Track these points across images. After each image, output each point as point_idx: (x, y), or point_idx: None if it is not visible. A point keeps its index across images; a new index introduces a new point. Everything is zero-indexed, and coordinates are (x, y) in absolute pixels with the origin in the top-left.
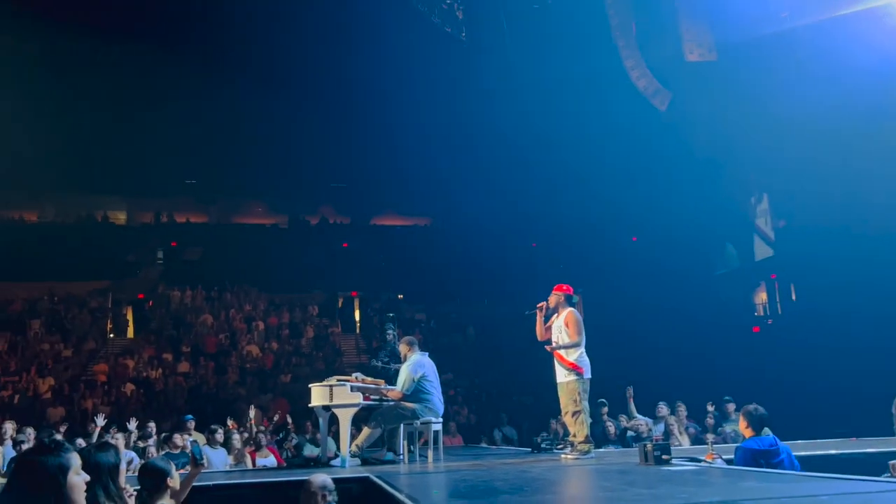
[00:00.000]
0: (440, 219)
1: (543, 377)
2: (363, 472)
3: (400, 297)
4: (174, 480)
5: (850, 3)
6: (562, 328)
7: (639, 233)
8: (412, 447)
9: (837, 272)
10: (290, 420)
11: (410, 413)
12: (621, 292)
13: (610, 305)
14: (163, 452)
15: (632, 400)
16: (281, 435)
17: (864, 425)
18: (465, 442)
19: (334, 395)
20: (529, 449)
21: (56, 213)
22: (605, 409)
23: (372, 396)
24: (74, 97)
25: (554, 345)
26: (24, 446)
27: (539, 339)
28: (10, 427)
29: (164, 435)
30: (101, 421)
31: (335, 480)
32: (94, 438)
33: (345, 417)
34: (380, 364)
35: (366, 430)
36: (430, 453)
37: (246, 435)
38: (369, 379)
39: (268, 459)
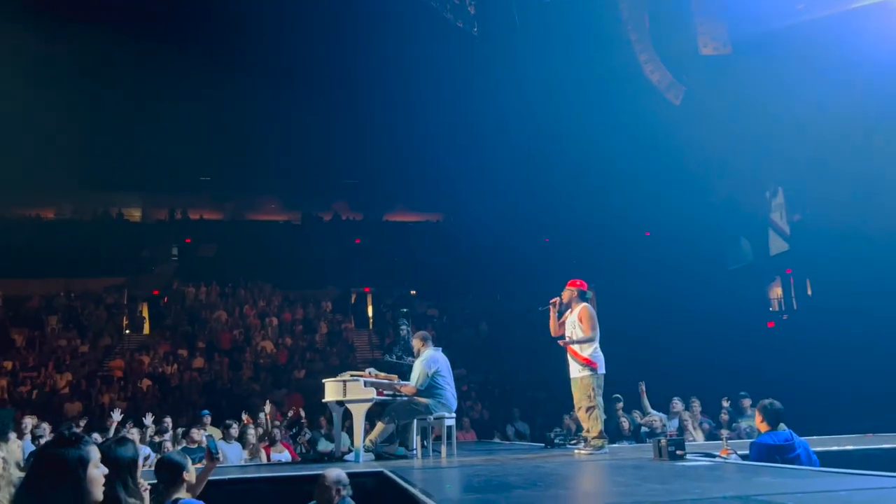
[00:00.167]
0: (452, 214)
1: (557, 372)
2: (377, 466)
3: (413, 292)
4: (190, 474)
5: None
6: (575, 323)
7: (652, 228)
8: (425, 442)
9: (854, 267)
10: (303, 414)
11: (424, 408)
12: (634, 288)
13: (623, 301)
14: (179, 447)
15: (645, 395)
16: (294, 430)
17: (881, 421)
18: (479, 437)
19: (348, 390)
20: (542, 444)
21: (73, 211)
22: (620, 405)
23: (385, 392)
24: (91, 96)
25: (567, 339)
26: (43, 441)
27: (553, 334)
28: (29, 421)
29: (182, 430)
30: (117, 416)
31: (349, 475)
32: (111, 433)
33: (358, 412)
34: (393, 359)
35: (379, 425)
36: (444, 448)
37: (261, 430)
38: (382, 374)
39: (282, 454)
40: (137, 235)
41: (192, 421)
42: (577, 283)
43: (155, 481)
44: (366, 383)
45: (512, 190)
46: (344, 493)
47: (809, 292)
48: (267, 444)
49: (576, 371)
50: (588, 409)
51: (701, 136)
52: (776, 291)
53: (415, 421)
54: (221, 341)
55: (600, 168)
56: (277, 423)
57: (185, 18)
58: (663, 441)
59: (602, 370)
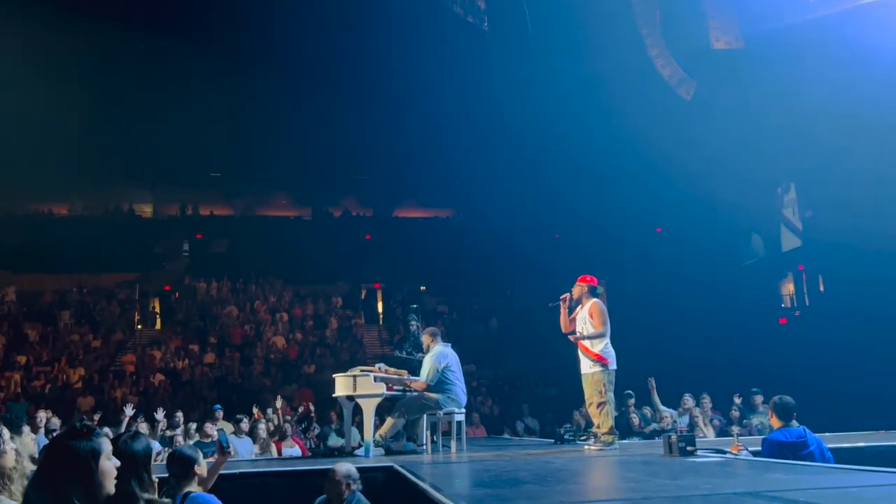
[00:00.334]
0: (462, 210)
1: (567, 369)
2: (387, 461)
3: (422, 288)
4: (201, 468)
5: None
6: (586, 319)
7: (663, 224)
8: (435, 437)
9: (866, 263)
10: (312, 409)
11: (434, 403)
12: (645, 284)
13: (634, 297)
14: (192, 441)
15: (655, 391)
16: (303, 425)
17: (893, 418)
18: (488, 433)
19: (358, 385)
20: (552, 440)
21: (84, 207)
22: (632, 401)
23: (395, 387)
24: (102, 92)
25: (578, 335)
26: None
27: (564, 331)
28: (43, 415)
29: (193, 424)
30: (129, 411)
31: (359, 469)
32: (123, 427)
33: (368, 407)
34: (403, 355)
35: (389, 421)
36: (454, 443)
37: (271, 425)
38: (392, 369)
39: (293, 449)
40: (149, 231)
41: (204, 415)
42: (588, 278)
43: (166, 475)
44: (376, 378)
45: (522, 186)
46: (354, 487)
47: (822, 289)
48: (277, 438)
49: (587, 367)
50: (599, 404)
51: (712, 131)
52: (788, 288)
53: (424, 416)
54: (232, 336)
55: (611, 164)
56: (288, 417)
57: (197, 14)
58: (673, 437)
59: (613, 366)
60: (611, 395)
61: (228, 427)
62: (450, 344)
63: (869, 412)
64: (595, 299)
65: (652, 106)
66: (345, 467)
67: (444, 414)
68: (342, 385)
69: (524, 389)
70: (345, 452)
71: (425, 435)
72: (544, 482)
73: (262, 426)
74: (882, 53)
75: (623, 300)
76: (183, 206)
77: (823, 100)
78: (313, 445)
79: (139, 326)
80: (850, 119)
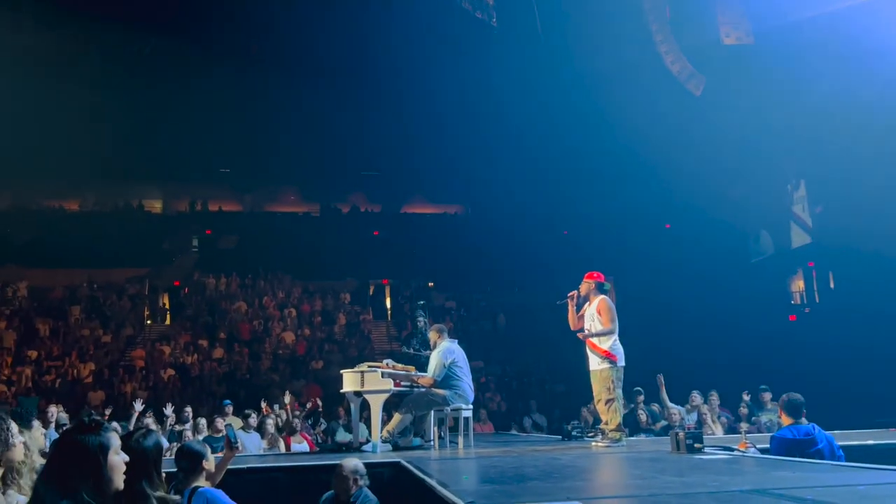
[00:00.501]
0: (471, 207)
1: (574, 365)
2: (394, 457)
3: (430, 284)
4: (209, 463)
5: None
6: (594, 316)
7: (672, 220)
8: (442, 433)
9: (877, 260)
10: (320, 405)
11: (441, 399)
12: (654, 280)
13: (643, 293)
14: (201, 436)
15: (663, 388)
16: (310, 421)
17: None
18: (496, 429)
19: (365, 381)
20: (560, 436)
21: (95, 203)
22: (641, 398)
23: (403, 383)
24: (112, 89)
25: (587, 332)
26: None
27: (572, 328)
28: (54, 410)
29: (202, 419)
30: (139, 406)
31: (366, 465)
32: (132, 422)
33: (376, 403)
34: (411, 351)
35: (397, 416)
36: (461, 439)
37: (280, 420)
38: (400, 365)
39: (301, 445)
40: (158, 227)
41: (213, 410)
42: (595, 275)
43: (174, 469)
44: (383, 374)
45: (530, 182)
46: (361, 482)
47: (832, 285)
48: (286, 433)
49: (595, 364)
50: (607, 401)
51: (722, 127)
52: (798, 284)
53: (432, 412)
54: (241, 332)
55: (619, 160)
56: (297, 413)
57: (207, 12)
58: (681, 434)
59: (622, 363)
60: (619, 391)
61: (237, 422)
62: (456, 340)
63: (879, 409)
64: (603, 296)
65: (661, 102)
66: (352, 463)
67: (451, 410)
68: (350, 381)
69: (532, 386)
70: (352, 448)
71: (433, 431)
72: (550, 478)
73: (270, 421)
74: (893, 49)
75: (632, 297)
76: (192, 202)
77: (834, 96)
78: (319, 440)
79: (149, 322)
80: (861, 115)
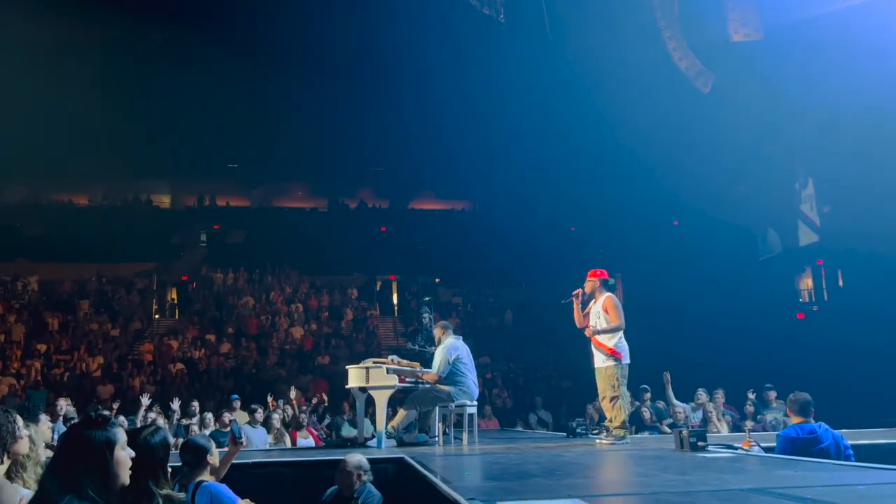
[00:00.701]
0: (478, 203)
1: (581, 362)
2: (398, 453)
3: (437, 280)
4: (214, 457)
5: None
6: (600, 314)
7: (680, 217)
8: (447, 429)
9: (886, 258)
10: (326, 400)
11: (446, 396)
12: (662, 277)
13: (651, 290)
14: (208, 431)
15: (669, 386)
16: (314, 416)
17: None
18: (501, 425)
19: (370, 377)
20: (564, 433)
21: (104, 197)
22: (648, 395)
23: (408, 379)
24: (122, 84)
25: (593, 329)
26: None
27: (578, 326)
28: (63, 403)
29: (209, 414)
30: (145, 401)
31: (371, 461)
32: (139, 417)
33: (381, 399)
34: (416, 348)
35: (402, 412)
36: (465, 436)
37: (286, 415)
38: (405, 361)
39: (307, 440)
40: (167, 222)
41: (220, 405)
42: (599, 272)
43: (179, 464)
44: (388, 370)
45: (538, 179)
46: (365, 478)
47: (841, 283)
48: (293, 428)
49: (600, 361)
50: (612, 399)
51: (730, 124)
52: (806, 282)
53: (436, 408)
54: (248, 327)
55: (628, 157)
56: (304, 408)
57: (215, 6)
58: (685, 432)
59: (627, 360)
60: (624, 389)
61: (244, 417)
62: (461, 336)
63: (888, 408)
64: (608, 293)
65: (669, 99)
66: (356, 458)
67: (455, 406)
68: (355, 376)
69: (538, 382)
70: (357, 443)
71: (437, 427)
72: (553, 475)
73: (276, 416)
74: None
75: (639, 294)
76: (200, 197)
77: (843, 93)
78: (323, 435)
79: (157, 316)
80: (871, 113)
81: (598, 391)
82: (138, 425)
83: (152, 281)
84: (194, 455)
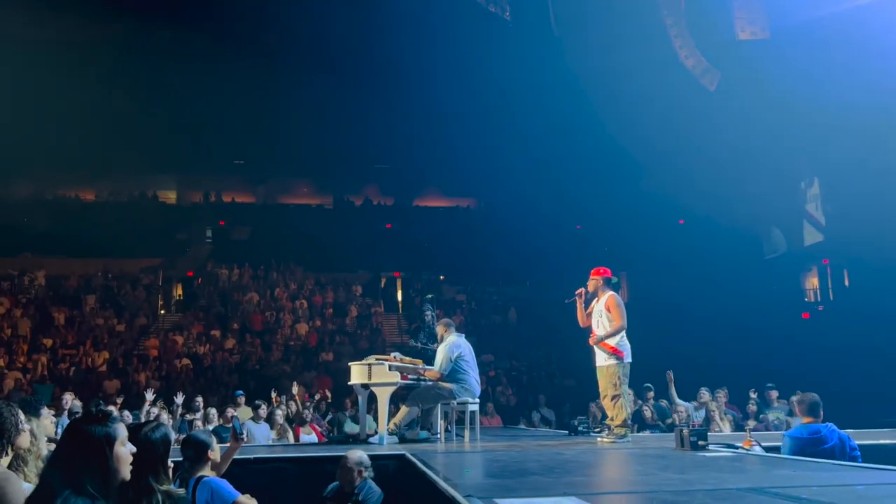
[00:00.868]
0: (483, 200)
1: (585, 360)
2: (400, 449)
3: (442, 278)
4: (215, 453)
5: None
6: (602, 312)
7: (686, 215)
8: (449, 426)
9: (892, 258)
10: (329, 396)
11: (448, 393)
12: (667, 276)
13: (656, 289)
14: (211, 426)
15: (672, 384)
16: (317, 412)
17: None
18: (504, 423)
19: (373, 373)
20: (566, 432)
21: (110, 193)
22: (651, 394)
23: (410, 376)
24: (129, 80)
25: (595, 337)
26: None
27: (581, 325)
28: (68, 398)
29: (213, 409)
30: (150, 396)
31: (372, 457)
32: (144, 411)
33: (383, 396)
34: (418, 345)
35: (404, 409)
36: (467, 433)
37: (290, 411)
38: (407, 359)
39: (310, 436)
40: (173, 217)
41: (224, 400)
42: (601, 271)
43: (180, 459)
44: (391, 367)
45: (543, 177)
46: (366, 474)
47: (847, 283)
48: (297, 424)
49: (602, 360)
50: (613, 397)
51: (736, 123)
52: (812, 282)
53: (439, 405)
54: (253, 323)
55: (633, 155)
56: (307, 404)
57: (221, 4)
58: (685, 431)
59: (628, 359)
60: (625, 387)
61: (248, 413)
62: (463, 334)
63: (894, 409)
64: (611, 292)
65: (676, 97)
66: (357, 454)
67: (457, 404)
68: (357, 373)
69: (542, 380)
70: (360, 440)
71: (439, 424)
72: (552, 473)
73: (279, 412)
74: None
75: (644, 292)
76: (206, 193)
77: (849, 92)
78: (327, 432)
79: (162, 311)
80: (877, 113)
81: (600, 390)
82: (142, 420)
83: (158, 276)
84: (195, 450)
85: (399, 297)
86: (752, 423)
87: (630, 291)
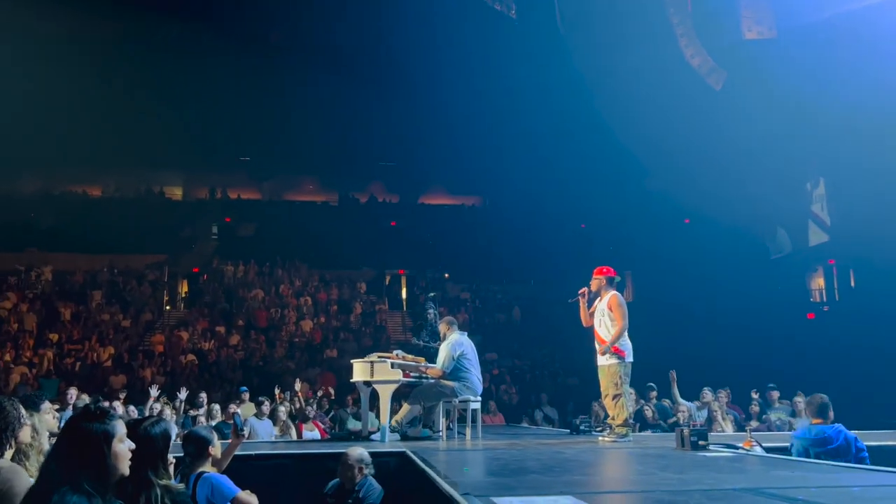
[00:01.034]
0: (488, 199)
1: (588, 358)
2: (401, 447)
3: (446, 275)
4: (215, 449)
5: None
6: (605, 311)
7: (691, 215)
8: (451, 424)
9: None
10: (332, 393)
11: (450, 391)
12: (672, 275)
13: (660, 288)
14: (214, 422)
15: (675, 384)
16: (320, 409)
17: None
18: (507, 421)
19: (375, 371)
20: (568, 430)
21: (117, 189)
22: (654, 394)
23: (412, 374)
24: (136, 76)
25: (603, 347)
26: None
27: (584, 325)
28: (74, 393)
29: (216, 405)
30: (154, 391)
31: (373, 454)
32: (148, 407)
33: (385, 393)
34: (421, 343)
35: (406, 407)
36: (469, 431)
37: (293, 407)
38: (410, 356)
39: (312, 432)
40: (178, 214)
41: (229, 397)
42: (604, 270)
43: (181, 454)
44: (393, 365)
45: (548, 175)
46: (366, 471)
47: (852, 283)
48: (300, 421)
49: (603, 359)
50: (615, 396)
51: (742, 123)
52: (818, 282)
53: (441, 403)
54: (258, 319)
55: (638, 154)
56: (310, 400)
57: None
58: (686, 431)
59: (630, 358)
60: (627, 387)
61: (252, 409)
62: (466, 333)
63: None
64: (614, 291)
65: (681, 96)
66: (357, 452)
67: (459, 402)
68: (360, 370)
69: (545, 379)
70: (362, 437)
71: (441, 422)
72: (551, 472)
73: (282, 408)
74: None
75: (648, 292)
76: (212, 190)
77: (856, 93)
78: (328, 429)
79: (167, 307)
80: (883, 113)
81: (601, 389)
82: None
83: (163, 272)
84: (196, 446)
85: (403, 295)
86: (753, 424)
87: (634, 291)
